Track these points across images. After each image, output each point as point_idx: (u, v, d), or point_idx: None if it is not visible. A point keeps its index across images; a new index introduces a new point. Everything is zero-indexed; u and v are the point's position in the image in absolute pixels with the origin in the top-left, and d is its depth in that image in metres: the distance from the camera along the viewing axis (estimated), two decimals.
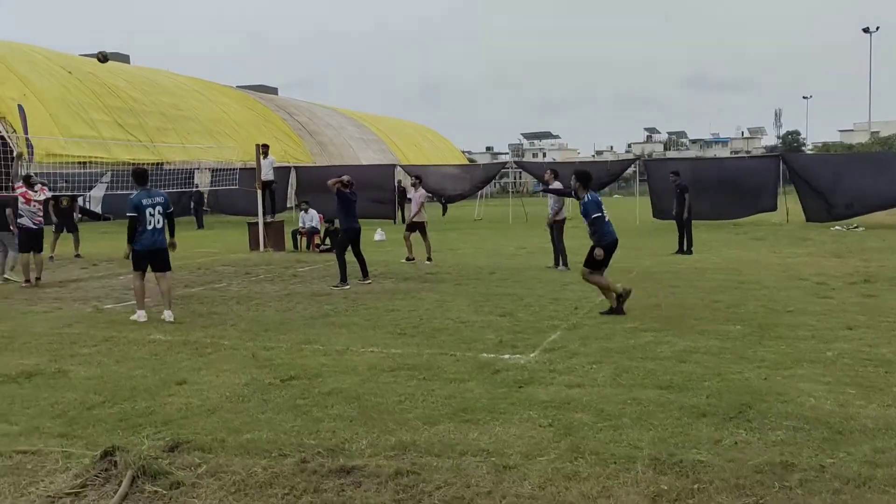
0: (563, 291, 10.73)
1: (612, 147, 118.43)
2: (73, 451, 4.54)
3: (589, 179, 9.19)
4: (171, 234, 9.47)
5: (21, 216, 12.43)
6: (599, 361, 6.42)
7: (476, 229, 26.48)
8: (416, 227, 15.23)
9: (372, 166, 33.74)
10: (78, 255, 16.88)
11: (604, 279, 8.88)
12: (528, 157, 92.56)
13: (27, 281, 12.18)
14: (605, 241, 8.82)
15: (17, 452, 4.51)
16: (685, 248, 16.07)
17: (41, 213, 12.64)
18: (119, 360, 6.89)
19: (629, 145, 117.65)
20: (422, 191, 15.87)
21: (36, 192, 12.57)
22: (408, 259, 14.97)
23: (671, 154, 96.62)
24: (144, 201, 9.10)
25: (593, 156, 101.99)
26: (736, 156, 74.11)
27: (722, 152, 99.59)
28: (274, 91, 66.70)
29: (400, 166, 30.96)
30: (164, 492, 3.93)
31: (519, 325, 8.23)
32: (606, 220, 8.91)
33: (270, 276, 13.27)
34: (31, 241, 12.39)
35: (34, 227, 12.36)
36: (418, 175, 16.86)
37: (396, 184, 28.55)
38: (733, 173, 25.68)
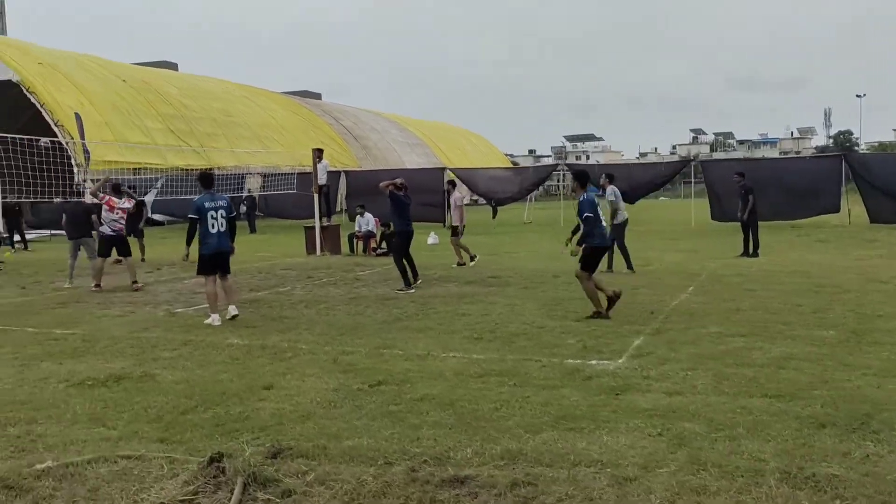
0: (634, 295, 10.48)
1: (656, 149, 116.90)
2: (175, 456, 4.49)
3: (587, 179, 9.32)
4: (231, 239, 9.50)
5: (102, 223, 12.72)
6: (694, 368, 6.20)
7: (527, 232, 26.27)
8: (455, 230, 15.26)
9: (421, 170, 33.81)
10: (143, 260, 17.15)
11: (591, 286, 8.89)
12: (570, 160, 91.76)
13: (97, 285, 12.36)
14: (597, 240, 8.92)
15: (121, 457, 4.48)
16: (751, 250, 15.64)
17: (122, 221, 12.82)
18: (202, 364, 6.89)
19: (674, 147, 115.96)
20: (457, 194, 15.85)
21: (121, 200, 12.86)
22: (459, 264, 14.87)
23: (718, 155, 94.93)
24: (207, 204, 9.19)
25: (637, 157, 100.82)
26: (797, 156, 72.41)
27: (770, 153, 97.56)
28: (317, 96, 67.36)
29: (449, 169, 30.87)
30: (277, 500, 3.86)
31: (598, 329, 8.03)
32: (601, 222, 9.01)
33: (333, 279, 13.26)
34: (106, 246, 12.63)
35: (111, 233, 12.60)
36: (451, 181, 16.83)
37: (446, 187, 28.46)
38: (793, 174, 25.03)
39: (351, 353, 7.21)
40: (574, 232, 9.42)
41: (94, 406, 5.57)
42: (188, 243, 9.33)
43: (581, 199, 9.02)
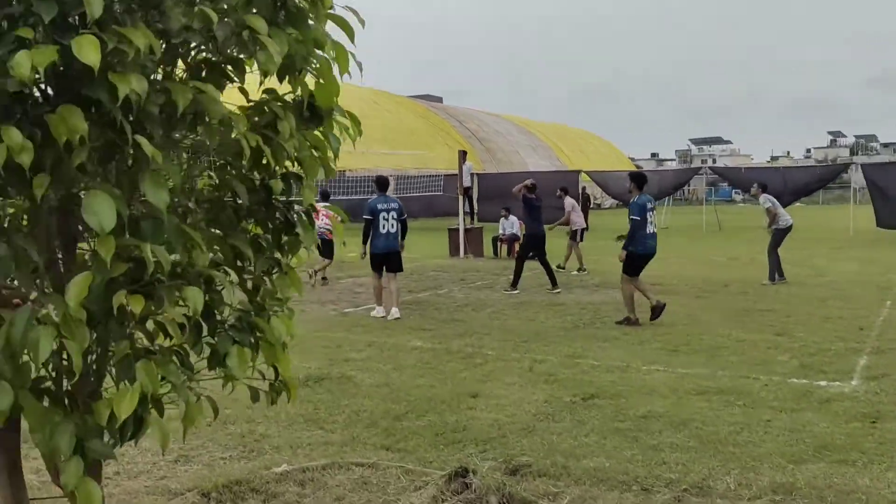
0: (825, 308, 9.65)
1: (788, 152, 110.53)
2: (409, 466, 4.30)
3: (643, 181, 9.19)
4: (402, 238, 9.81)
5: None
6: None
7: (669, 238, 25.14)
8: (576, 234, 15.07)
9: (556, 172, 33.23)
10: None
11: (630, 292, 8.78)
12: (696, 164, 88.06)
13: (322, 278, 12.97)
14: (636, 247, 8.73)
15: (354, 464, 4.33)
16: None
17: (327, 224, 13.13)
18: (395, 367, 6.75)
19: (808, 150, 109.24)
20: (569, 199, 15.45)
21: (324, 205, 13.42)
22: (579, 269, 14.48)
23: (859, 159, 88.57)
24: (380, 206, 9.49)
25: (768, 161, 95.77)
26: None
27: None
28: (439, 100, 67.87)
29: (585, 172, 30.17)
30: None
31: (806, 346, 7.34)
32: (649, 229, 8.76)
33: (487, 282, 13.03)
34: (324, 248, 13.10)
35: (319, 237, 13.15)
36: (564, 187, 16.48)
37: (581, 190, 27.77)
38: None
39: (543, 361, 6.89)
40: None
41: (306, 407, 5.50)
42: (364, 242, 9.64)
43: (634, 200, 8.91)
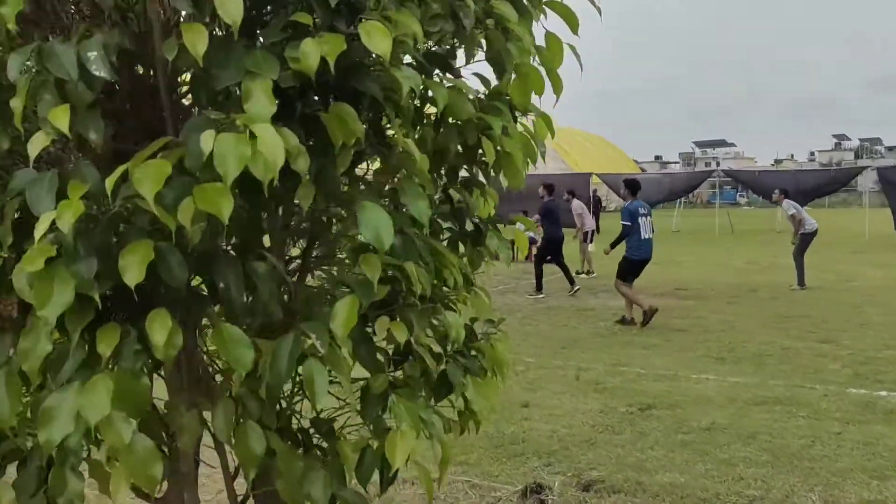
0: (861, 314, 9.48)
1: (792, 155, 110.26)
2: (475, 481, 4.14)
3: (637, 187, 9.33)
4: None
5: None
6: None
7: (682, 240, 25.03)
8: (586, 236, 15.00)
9: (566, 175, 33.07)
10: None
11: (630, 292, 8.96)
12: (700, 167, 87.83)
13: None
14: (632, 253, 8.92)
15: (417, 478, 4.16)
16: None
17: None
18: None
19: (812, 153, 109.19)
20: (576, 202, 15.44)
21: None
22: (587, 272, 14.38)
23: (863, 162, 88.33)
24: None
25: (773, 164, 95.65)
26: None
27: None
28: None
29: (596, 174, 30.01)
30: None
31: (854, 354, 7.18)
32: (643, 235, 8.84)
33: (509, 286, 12.88)
34: None
35: None
36: (571, 190, 16.29)
37: (592, 193, 27.63)
38: None
39: (588, 369, 6.72)
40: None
41: None
42: None
43: (626, 205, 9.16)
